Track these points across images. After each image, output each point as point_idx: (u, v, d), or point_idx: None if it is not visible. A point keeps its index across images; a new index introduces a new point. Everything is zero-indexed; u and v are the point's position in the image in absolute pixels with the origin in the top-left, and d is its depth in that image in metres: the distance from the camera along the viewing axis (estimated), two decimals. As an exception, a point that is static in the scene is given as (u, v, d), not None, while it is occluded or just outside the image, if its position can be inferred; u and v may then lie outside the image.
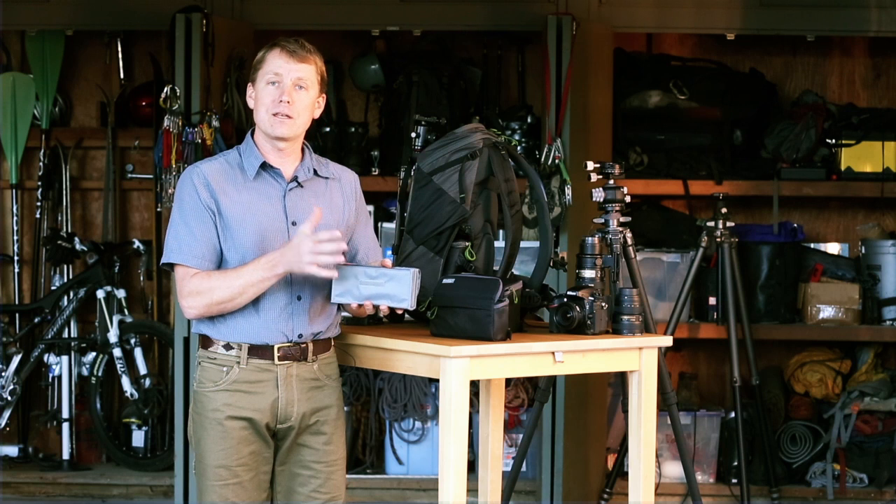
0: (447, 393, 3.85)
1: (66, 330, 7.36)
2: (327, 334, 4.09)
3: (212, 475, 3.99)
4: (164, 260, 4.00)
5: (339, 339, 4.16)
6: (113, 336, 7.28)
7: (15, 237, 7.59)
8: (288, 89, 3.97)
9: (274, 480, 4.10)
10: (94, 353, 7.32)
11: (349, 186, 4.15)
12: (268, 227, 3.98)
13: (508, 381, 6.78)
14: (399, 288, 3.88)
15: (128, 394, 7.25)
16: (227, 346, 3.98)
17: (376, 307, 3.94)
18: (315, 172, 4.09)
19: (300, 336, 4.01)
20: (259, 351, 3.98)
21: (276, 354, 3.99)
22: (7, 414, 7.29)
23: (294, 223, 3.99)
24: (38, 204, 7.58)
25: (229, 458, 3.98)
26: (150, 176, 7.39)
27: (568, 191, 6.36)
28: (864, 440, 7.05)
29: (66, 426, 7.32)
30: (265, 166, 4.02)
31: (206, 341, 4.02)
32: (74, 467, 7.27)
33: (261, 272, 3.90)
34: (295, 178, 4.04)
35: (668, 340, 4.39)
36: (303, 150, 4.09)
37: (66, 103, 7.71)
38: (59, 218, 7.64)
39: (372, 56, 7.31)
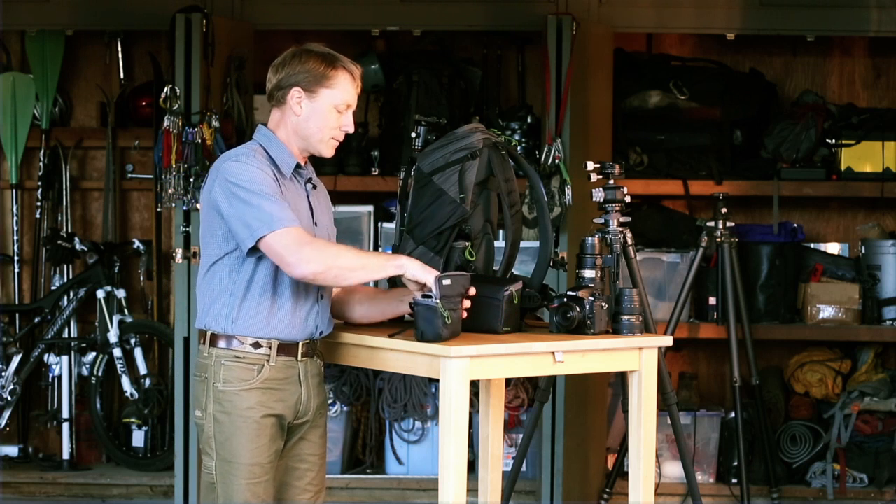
0: (447, 393, 3.84)
1: (66, 330, 7.35)
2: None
3: (246, 473, 3.96)
4: (271, 229, 3.84)
5: (338, 339, 4.16)
6: (113, 336, 7.27)
7: (15, 237, 7.58)
8: (352, 118, 4.05)
9: None
10: (94, 353, 7.32)
11: (321, 183, 4.21)
12: (305, 226, 3.99)
13: (508, 381, 6.78)
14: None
15: (128, 394, 7.25)
16: (256, 345, 3.98)
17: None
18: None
19: (321, 333, 4.08)
20: (286, 349, 4.00)
21: (299, 351, 4.02)
22: (7, 414, 7.28)
23: (316, 224, 4.05)
24: (38, 204, 7.57)
25: (262, 455, 3.98)
26: (150, 176, 7.38)
27: (568, 191, 6.36)
28: (864, 440, 7.04)
29: (66, 426, 7.31)
30: (297, 167, 4.05)
31: (229, 340, 3.98)
32: (74, 467, 7.27)
33: (382, 259, 3.95)
34: (309, 180, 4.09)
35: (668, 340, 4.39)
36: None
37: (66, 103, 7.70)
38: (59, 218, 7.63)
39: (372, 56, 7.31)
